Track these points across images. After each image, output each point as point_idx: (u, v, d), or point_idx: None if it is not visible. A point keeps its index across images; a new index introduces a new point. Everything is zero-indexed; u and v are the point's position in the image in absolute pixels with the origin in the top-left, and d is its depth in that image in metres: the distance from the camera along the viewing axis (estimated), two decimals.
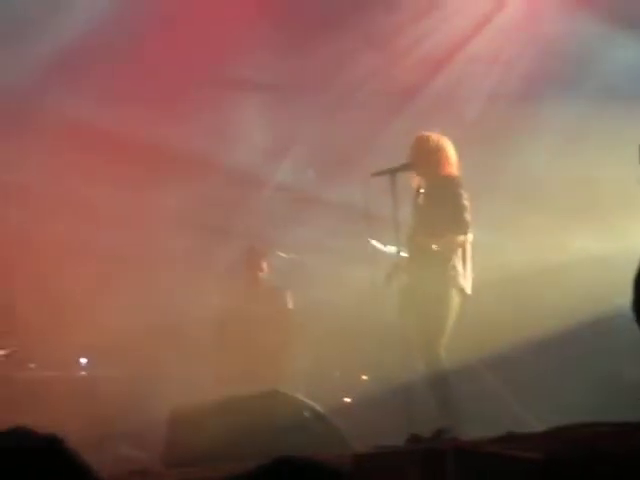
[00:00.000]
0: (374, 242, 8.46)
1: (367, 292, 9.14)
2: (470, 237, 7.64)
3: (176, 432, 7.02)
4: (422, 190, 7.69)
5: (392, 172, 7.65)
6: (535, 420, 7.67)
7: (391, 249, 7.78)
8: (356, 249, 8.81)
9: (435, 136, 7.85)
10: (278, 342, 9.16)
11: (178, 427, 7.11)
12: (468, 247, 7.65)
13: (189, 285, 9.66)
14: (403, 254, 7.68)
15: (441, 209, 7.61)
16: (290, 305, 9.49)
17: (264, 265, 9.62)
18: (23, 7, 9.64)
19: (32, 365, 9.32)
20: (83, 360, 9.48)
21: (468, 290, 7.59)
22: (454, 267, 7.54)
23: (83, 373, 9.37)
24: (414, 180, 7.82)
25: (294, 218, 10.36)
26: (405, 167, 7.77)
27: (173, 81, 9.97)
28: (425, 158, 7.75)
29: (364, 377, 9.02)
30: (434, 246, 7.53)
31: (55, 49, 9.63)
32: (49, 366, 9.18)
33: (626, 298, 4.78)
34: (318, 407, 7.30)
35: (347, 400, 8.78)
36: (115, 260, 9.64)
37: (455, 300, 7.53)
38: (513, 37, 10.15)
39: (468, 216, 7.60)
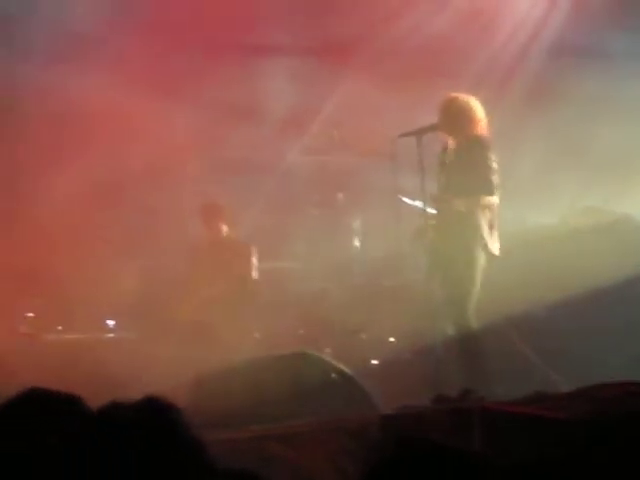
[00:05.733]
0: (405, 199, 8.39)
1: (395, 251, 9.13)
2: (497, 199, 7.55)
3: (201, 394, 7.00)
4: (450, 149, 7.60)
5: (419, 133, 7.60)
6: (563, 380, 7.63)
7: (420, 205, 7.70)
8: (383, 207, 8.76)
9: (463, 96, 7.74)
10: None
11: (203, 388, 7.09)
12: (495, 209, 7.57)
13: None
14: (430, 212, 7.61)
15: (469, 170, 7.52)
16: (254, 260, 9.41)
17: (222, 227, 9.43)
18: None
19: (59, 327, 9.36)
20: (110, 322, 9.51)
21: (496, 251, 7.51)
22: (481, 227, 7.46)
23: (110, 335, 9.39)
24: (443, 140, 7.74)
25: (321, 178, 10.30)
26: (433, 128, 7.70)
27: (197, 47, 9.92)
28: (453, 118, 7.66)
29: (391, 339, 8.96)
30: (461, 206, 7.46)
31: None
32: (76, 328, 9.21)
33: None
34: (345, 368, 7.27)
35: (374, 362, 8.74)
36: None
37: (482, 260, 7.46)
38: None
39: (496, 178, 7.51)
